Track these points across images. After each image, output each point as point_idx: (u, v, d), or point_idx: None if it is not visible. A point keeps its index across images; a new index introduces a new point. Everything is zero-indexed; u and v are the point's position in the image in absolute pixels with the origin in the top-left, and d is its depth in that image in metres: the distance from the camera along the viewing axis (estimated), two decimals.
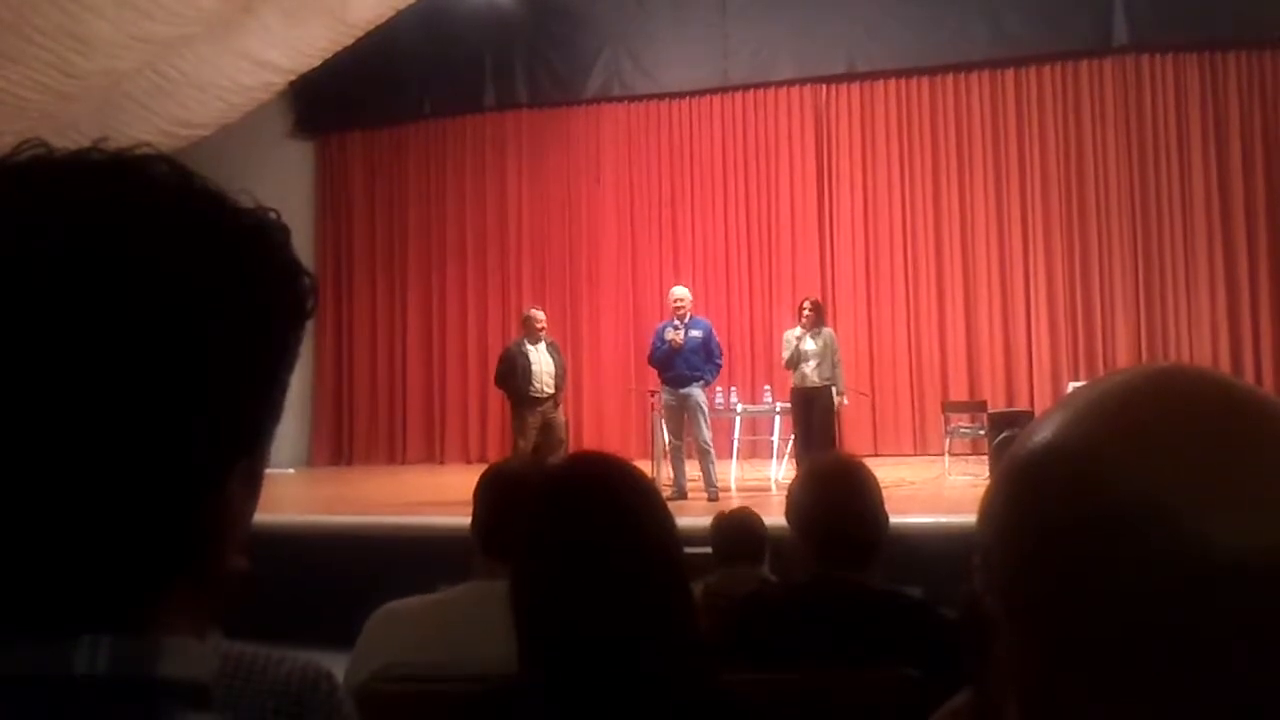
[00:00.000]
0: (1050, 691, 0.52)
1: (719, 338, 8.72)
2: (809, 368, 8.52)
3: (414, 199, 13.41)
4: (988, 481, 0.62)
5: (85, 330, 0.52)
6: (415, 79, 12.84)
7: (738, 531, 3.61)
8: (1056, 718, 0.52)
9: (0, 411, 0.52)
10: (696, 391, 8.24)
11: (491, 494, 2.18)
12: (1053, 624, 0.52)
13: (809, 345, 8.54)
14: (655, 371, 8.60)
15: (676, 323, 8.32)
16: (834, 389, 8.49)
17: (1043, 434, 0.55)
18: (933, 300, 11.78)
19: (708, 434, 8.26)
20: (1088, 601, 0.50)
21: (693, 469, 8.36)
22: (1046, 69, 11.59)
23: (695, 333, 8.31)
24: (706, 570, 3.44)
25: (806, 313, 8.68)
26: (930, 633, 1.98)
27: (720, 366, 8.61)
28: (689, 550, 1.51)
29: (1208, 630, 0.48)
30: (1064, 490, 0.52)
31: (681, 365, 8.24)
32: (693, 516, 6.68)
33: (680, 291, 8.65)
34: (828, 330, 8.71)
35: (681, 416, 8.26)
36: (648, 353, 8.65)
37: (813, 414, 8.45)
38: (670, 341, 8.23)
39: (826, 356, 8.49)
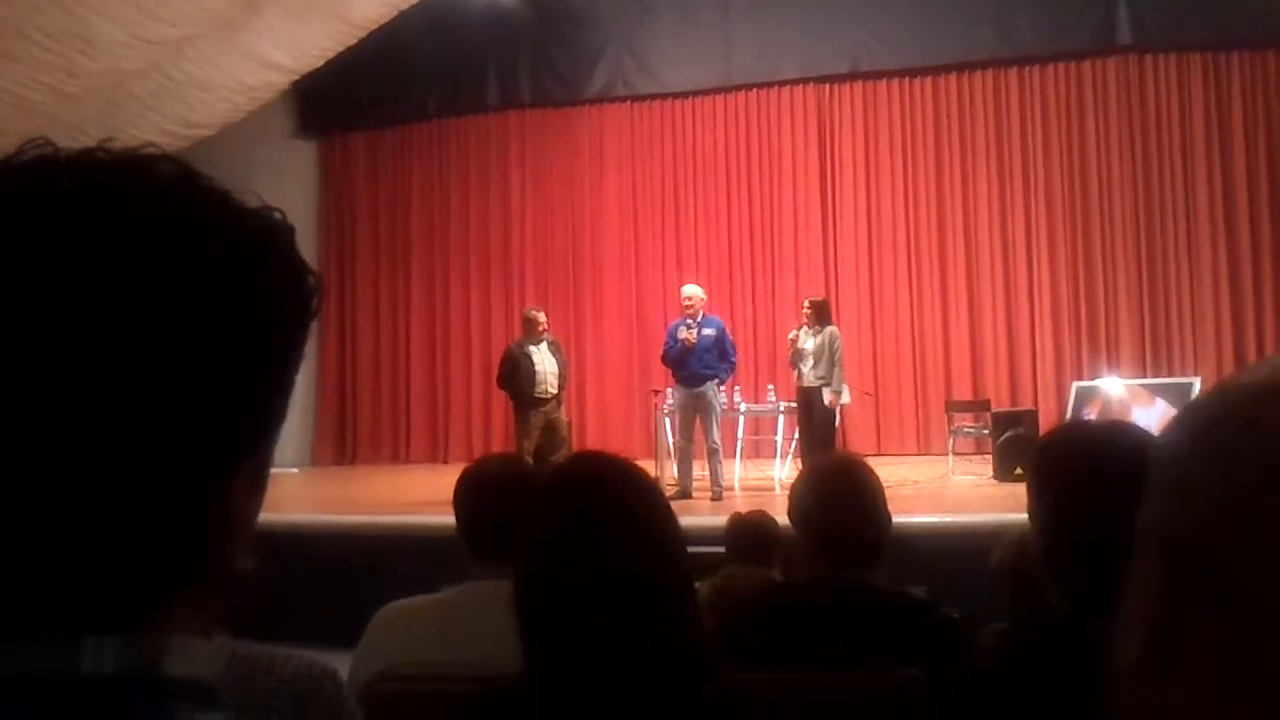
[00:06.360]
0: (1181, 630, 0.51)
1: None
2: (806, 367, 8.50)
3: (417, 198, 13.41)
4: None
5: (90, 330, 0.52)
6: (418, 78, 12.84)
7: (749, 533, 3.65)
8: (1184, 656, 0.51)
9: (5, 412, 0.52)
10: (710, 390, 8.22)
11: (472, 495, 2.15)
12: (1222, 570, 0.49)
13: (807, 344, 8.51)
14: (661, 371, 8.56)
15: (690, 321, 8.28)
16: (825, 388, 8.37)
17: (1262, 373, 0.52)
18: (936, 300, 11.76)
19: (718, 434, 8.24)
20: (1266, 555, 0.48)
21: (697, 468, 8.34)
22: (1050, 69, 11.57)
23: (708, 331, 8.26)
24: (717, 569, 3.46)
25: (805, 312, 8.67)
26: (934, 632, 1.98)
27: (734, 365, 8.58)
28: (697, 549, 1.50)
29: None
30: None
31: (695, 364, 8.19)
32: (697, 516, 6.70)
33: (691, 290, 8.61)
34: (831, 329, 8.59)
35: (693, 415, 8.22)
36: (661, 352, 8.59)
37: (813, 413, 8.43)
38: (683, 340, 8.18)
39: (824, 356, 8.44)
